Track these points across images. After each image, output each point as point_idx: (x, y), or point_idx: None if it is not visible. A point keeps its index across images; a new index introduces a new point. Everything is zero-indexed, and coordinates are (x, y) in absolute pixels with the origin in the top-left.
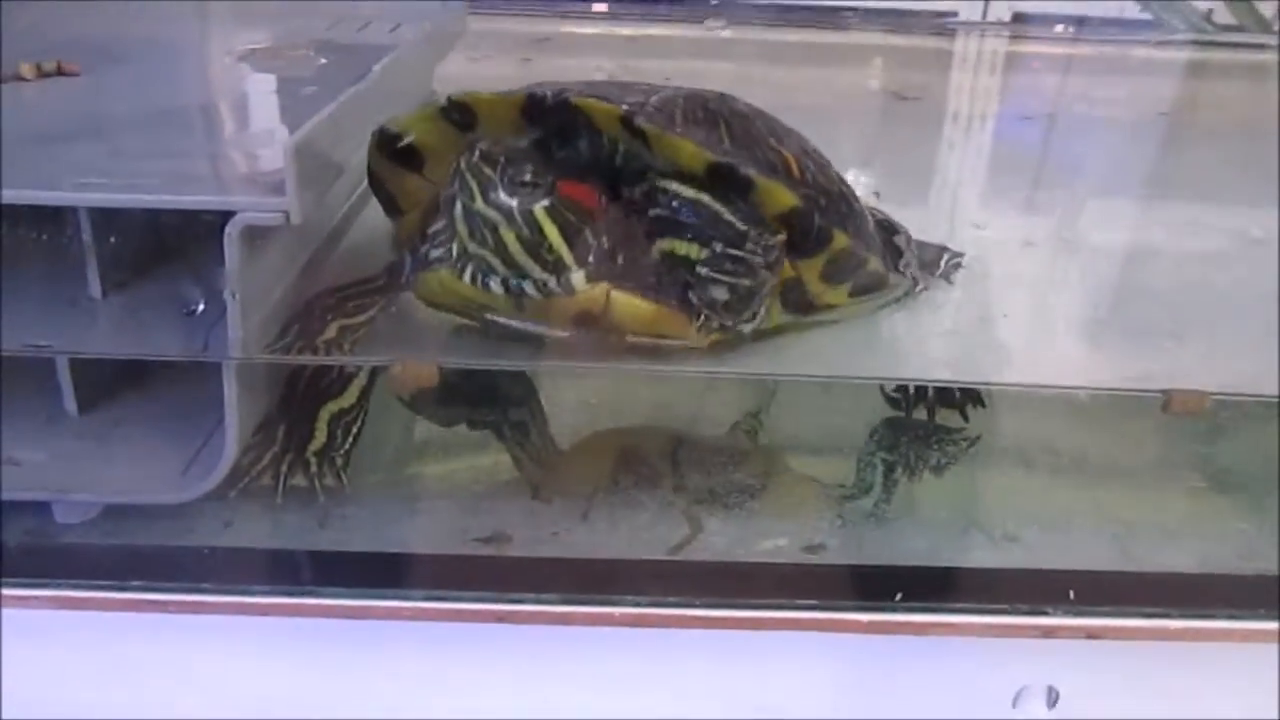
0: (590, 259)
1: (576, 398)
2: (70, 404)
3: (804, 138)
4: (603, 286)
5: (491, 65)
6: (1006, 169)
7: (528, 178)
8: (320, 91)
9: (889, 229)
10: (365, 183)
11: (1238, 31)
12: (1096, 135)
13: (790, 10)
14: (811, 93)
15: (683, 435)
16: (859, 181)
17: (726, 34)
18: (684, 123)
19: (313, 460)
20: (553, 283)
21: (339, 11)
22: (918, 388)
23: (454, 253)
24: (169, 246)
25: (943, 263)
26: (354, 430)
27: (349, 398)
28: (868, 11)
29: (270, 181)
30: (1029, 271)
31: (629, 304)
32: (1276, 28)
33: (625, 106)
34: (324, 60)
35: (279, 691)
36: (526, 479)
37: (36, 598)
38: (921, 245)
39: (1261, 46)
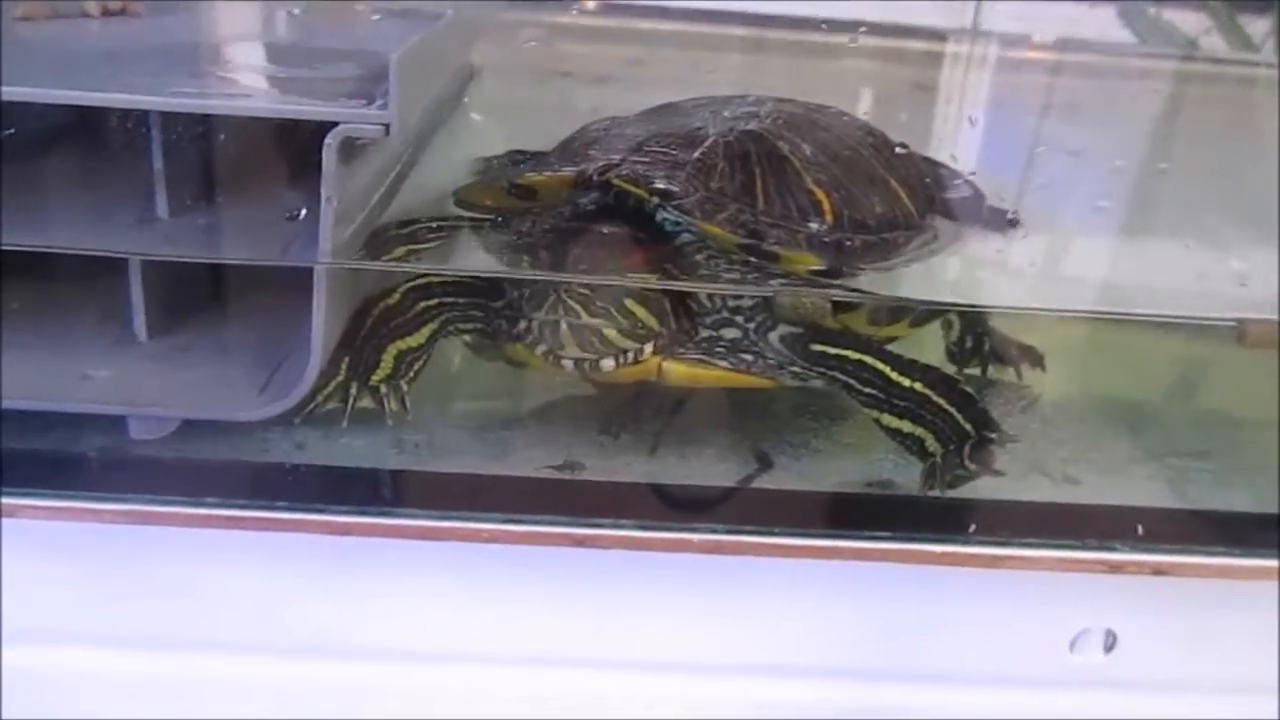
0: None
1: None
2: (140, 327)
3: (853, 125)
4: (654, 359)
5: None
6: (1021, 142)
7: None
8: (381, 40)
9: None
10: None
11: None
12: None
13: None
14: (845, 81)
15: None
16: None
17: (745, 33)
18: (718, 187)
19: (380, 386)
20: (624, 357)
21: None
22: (974, 343)
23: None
24: (227, 173)
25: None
26: (417, 366)
27: (418, 339)
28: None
29: (366, 97)
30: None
31: (682, 371)
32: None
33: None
34: (376, 17)
35: (352, 609)
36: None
37: (110, 511)
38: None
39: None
